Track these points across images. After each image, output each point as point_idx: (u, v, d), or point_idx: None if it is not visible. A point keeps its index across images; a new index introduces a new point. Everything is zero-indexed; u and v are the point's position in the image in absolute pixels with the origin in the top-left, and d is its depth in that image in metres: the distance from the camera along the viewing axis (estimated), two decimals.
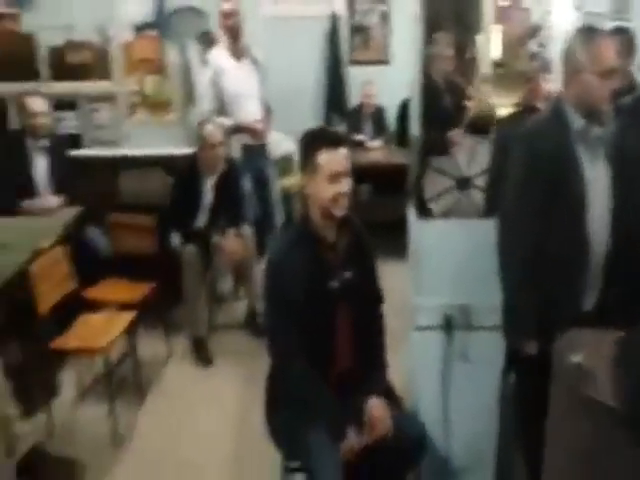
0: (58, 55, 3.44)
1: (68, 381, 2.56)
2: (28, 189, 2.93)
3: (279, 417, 1.68)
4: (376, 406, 1.58)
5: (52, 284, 2.41)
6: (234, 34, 3.27)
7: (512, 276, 1.60)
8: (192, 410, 2.47)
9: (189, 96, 3.60)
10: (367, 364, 1.67)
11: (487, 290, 1.68)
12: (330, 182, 1.53)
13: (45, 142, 3.03)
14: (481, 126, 2.06)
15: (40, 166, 3.01)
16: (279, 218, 3.42)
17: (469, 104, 2.08)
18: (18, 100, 3.05)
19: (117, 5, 4.23)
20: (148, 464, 2.17)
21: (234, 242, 2.90)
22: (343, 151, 1.55)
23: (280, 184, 3.61)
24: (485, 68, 2.14)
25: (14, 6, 4.15)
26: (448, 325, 1.81)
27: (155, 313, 2.81)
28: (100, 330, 2.39)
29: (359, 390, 1.61)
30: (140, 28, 4.17)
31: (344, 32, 4.65)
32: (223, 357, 2.85)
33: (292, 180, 3.69)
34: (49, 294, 2.37)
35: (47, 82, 3.37)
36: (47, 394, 2.32)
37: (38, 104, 3.00)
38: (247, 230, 3.02)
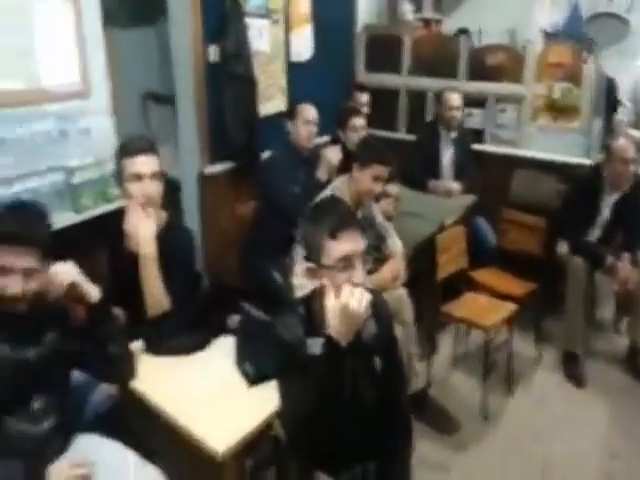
0: (477, 56, 3.75)
1: (444, 345, 2.85)
2: (435, 172, 3.34)
3: None
4: None
5: (450, 257, 2.71)
6: None
7: None
8: (559, 424, 2.41)
9: (598, 106, 3.45)
10: None
11: None
12: None
13: (454, 134, 3.40)
14: None
15: (447, 154, 3.40)
16: None
17: None
18: (438, 94, 3.48)
19: (530, 11, 4.37)
20: (510, 451, 2.24)
21: (629, 269, 2.66)
22: None
23: None
24: None
25: (439, 12, 4.76)
26: None
27: (529, 314, 2.82)
28: (485, 310, 2.56)
29: None
30: (552, 34, 4.22)
31: None
32: (594, 385, 2.66)
33: None
34: (446, 265, 2.68)
35: (464, 80, 3.72)
36: (430, 348, 2.65)
37: (455, 99, 3.36)
38: None
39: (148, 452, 1.50)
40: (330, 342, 1.24)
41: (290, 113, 2.79)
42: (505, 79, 3.65)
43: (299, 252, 2.36)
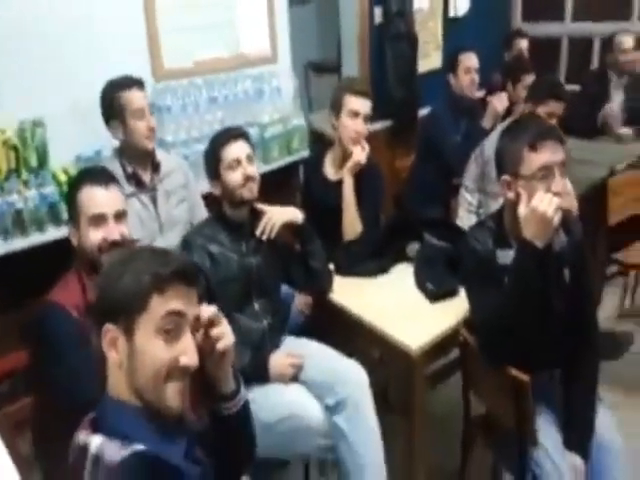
0: None
1: (608, 298, 2.74)
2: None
3: None
4: None
5: (624, 201, 2.60)
6: None
7: None
8: None
9: None
10: None
11: None
12: None
13: (625, 79, 3.18)
14: None
15: (616, 100, 3.20)
16: None
17: None
18: (608, 39, 3.25)
19: None
20: None
21: None
22: None
23: None
24: None
25: None
26: None
27: None
28: None
29: None
30: None
31: None
32: None
33: None
34: (619, 209, 2.58)
35: (638, 22, 3.43)
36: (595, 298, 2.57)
37: (629, 42, 3.12)
38: None
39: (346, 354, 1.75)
40: (524, 245, 1.30)
41: (450, 64, 2.85)
42: None
43: (465, 196, 2.49)
